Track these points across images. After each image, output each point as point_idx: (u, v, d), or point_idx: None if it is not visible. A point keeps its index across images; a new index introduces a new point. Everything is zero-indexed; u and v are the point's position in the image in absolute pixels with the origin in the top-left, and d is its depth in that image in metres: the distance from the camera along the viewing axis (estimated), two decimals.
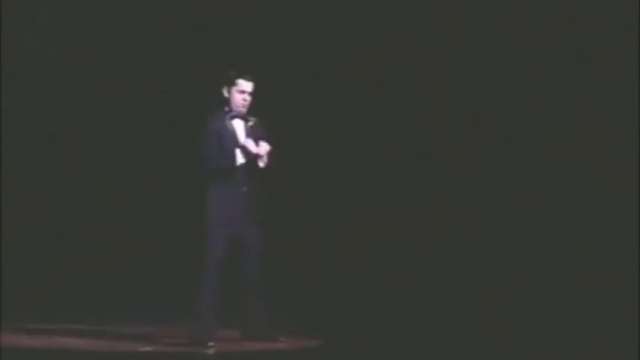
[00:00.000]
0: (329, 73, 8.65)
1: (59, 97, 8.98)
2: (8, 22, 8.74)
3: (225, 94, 6.83)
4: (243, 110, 6.81)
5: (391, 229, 8.45)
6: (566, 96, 8.26)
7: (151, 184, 8.84)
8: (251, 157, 6.72)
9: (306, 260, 8.50)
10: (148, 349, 6.54)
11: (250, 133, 6.80)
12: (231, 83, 6.81)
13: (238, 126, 6.82)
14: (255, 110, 6.73)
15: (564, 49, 8.24)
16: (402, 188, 8.56)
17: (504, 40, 8.33)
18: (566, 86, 8.25)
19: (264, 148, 6.73)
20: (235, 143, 6.75)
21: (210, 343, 6.55)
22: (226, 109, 6.83)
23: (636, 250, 7.87)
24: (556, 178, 8.25)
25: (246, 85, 6.80)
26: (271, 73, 7.98)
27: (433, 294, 8.12)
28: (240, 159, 6.75)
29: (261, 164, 6.73)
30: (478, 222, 8.36)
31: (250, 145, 6.71)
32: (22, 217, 8.82)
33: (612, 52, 8.10)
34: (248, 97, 6.80)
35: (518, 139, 8.34)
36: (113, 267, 8.83)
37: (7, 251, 8.63)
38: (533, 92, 8.31)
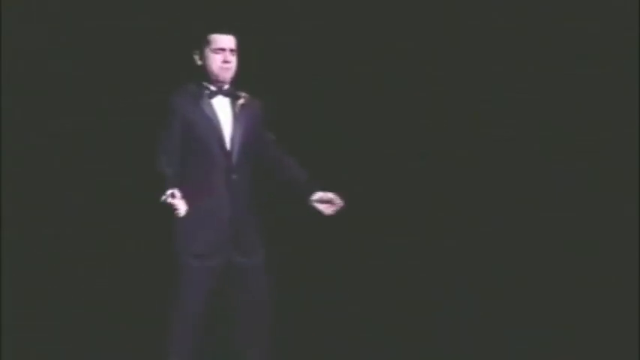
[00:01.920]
0: (329, 73, 8.65)
1: (59, 97, 8.97)
2: (8, 22, 8.74)
3: (198, 61, 5.07)
4: (227, 76, 4.91)
5: (391, 229, 8.44)
6: (566, 96, 8.25)
7: (151, 184, 8.83)
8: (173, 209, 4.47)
9: (306, 260, 8.49)
10: None
11: (242, 116, 5.02)
12: (203, 44, 5.00)
13: (221, 108, 5.01)
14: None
15: (564, 49, 8.24)
16: (402, 188, 8.55)
17: (504, 40, 8.33)
18: (566, 86, 8.24)
19: (331, 206, 4.66)
20: (216, 134, 4.75)
21: None
22: (203, 83, 5.00)
23: (636, 250, 7.87)
24: (556, 178, 8.24)
25: (223, 40, 4.96)
26: (271, 73, 7.98)
27: (433, 294, 8.12)
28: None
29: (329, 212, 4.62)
30: (478, 222, 8.36)
31: (178, 203, 4.50)
32: (22, 217, 8.81)
33: (612, 52, 8.10)
34: (230, 57, 4.97)
35: (518, 139, 8.34)
36: (113, 267, 8.83)
37: (7, 251, 8.63)
38: (533, 92, 8.30)
